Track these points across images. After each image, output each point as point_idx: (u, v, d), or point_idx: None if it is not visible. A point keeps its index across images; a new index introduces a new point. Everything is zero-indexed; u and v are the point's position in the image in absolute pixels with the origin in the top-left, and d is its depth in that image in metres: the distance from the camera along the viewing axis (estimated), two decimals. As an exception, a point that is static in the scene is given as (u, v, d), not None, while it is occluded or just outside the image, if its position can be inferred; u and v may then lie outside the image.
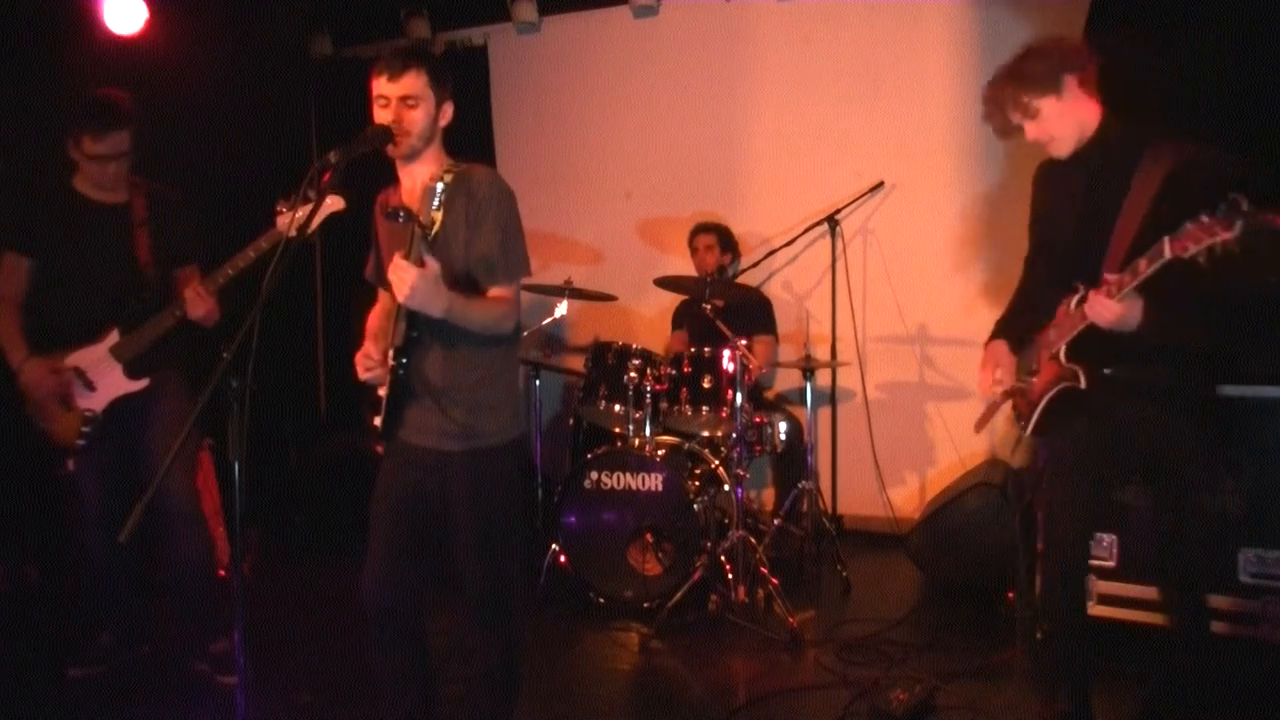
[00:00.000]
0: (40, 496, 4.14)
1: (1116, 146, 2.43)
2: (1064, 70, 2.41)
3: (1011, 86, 2.41)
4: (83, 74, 3.81)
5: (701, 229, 4.93)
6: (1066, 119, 2.43)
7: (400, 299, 2.20)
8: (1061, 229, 2.57)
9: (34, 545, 4.26)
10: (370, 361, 2.39)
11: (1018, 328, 2.74)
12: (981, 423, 3.01)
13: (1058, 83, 2.40)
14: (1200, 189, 2.28)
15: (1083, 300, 2.40)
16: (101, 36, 4.21)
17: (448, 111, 2.41)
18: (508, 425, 2.47)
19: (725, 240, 4.92)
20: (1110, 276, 2.28)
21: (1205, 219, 2.06)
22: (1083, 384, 2.41)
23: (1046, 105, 2.41)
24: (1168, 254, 2.15)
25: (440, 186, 2.25)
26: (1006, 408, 2.81)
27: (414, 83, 2.31)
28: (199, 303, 3.08)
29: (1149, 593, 3.27)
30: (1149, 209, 2.32)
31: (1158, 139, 2.39)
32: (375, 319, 2.62)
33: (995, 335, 2.78)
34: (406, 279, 2.15)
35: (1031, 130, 2.45)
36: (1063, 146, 2.47)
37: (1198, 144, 2.37)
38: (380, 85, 2.32)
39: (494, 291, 2.38)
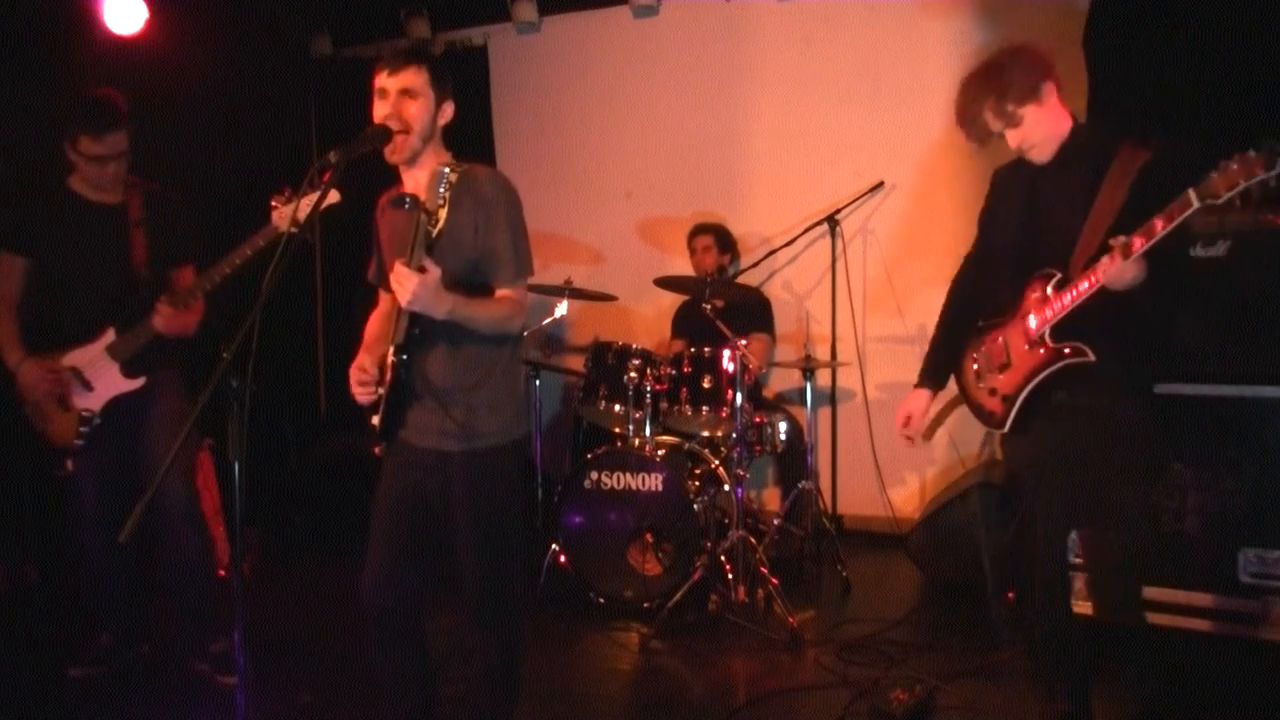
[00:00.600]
0: (40, 496, 4.15)
1: (1092, 148, 2.45)
2: (1044, 78, 2.43)
3: (994, 96, 2.41)
4: (83, 74, 3.81)
5: (699, 230, 4.93)
6: (1047, 125, 2.45)
7: (402, 303, 2.21)
8: (1030, 228, 2.56)
9: (34, 545, 4.27)
10: (364, 376, 2.36)
11: (948, 359, 2.80)
12: (930, 431, 3.03)
13: (1038, 90, 2.42)
14: (1176, 173, 2.30)
15: (1062, 284, 2.40)
16: (101, 36, 4.21)
17: (448, 111, 2.40)
18: (509, 425, 2.46)
19: (723, 240, 4.91)
20: (1118, 240, 2.26)
21: (1236, 160, 2.04)
22: (1092, 357, 2.40)
23: (1029, 113, 2.42)
24: (1195, 203, 2.13)
25: (447, 171, 2.26)
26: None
27: (414, 78, 2.32)
28: (172, 319, 3.07)
29: (1149, 593, 3.27)
30: (1126, 197, 2.34)
31: (1129, 141, 2.41)
32: (374, 325, 2.61)
33: (922, 381, 2.86)
34: (408, 285, 2.16)
35: (1014, 137, 2.46)
36: (1045, 151, 2.48)
37: (1171, 142, 2.40)
38: (381, 79, 2.33)
39: (502, 291, 2.39)
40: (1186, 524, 3.28)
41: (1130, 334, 2.43)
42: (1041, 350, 2.47)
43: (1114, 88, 3.73)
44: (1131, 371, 2.45)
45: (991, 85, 2.42)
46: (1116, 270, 2.26)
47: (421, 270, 2.17)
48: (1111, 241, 2.27)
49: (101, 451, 3.20)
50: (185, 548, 3.24)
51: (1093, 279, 2.32)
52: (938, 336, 2.84)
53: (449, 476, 2.40)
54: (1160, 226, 2.19)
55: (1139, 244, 2.22)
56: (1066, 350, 2.43)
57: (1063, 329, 2.43)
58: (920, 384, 2.84)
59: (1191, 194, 2.14)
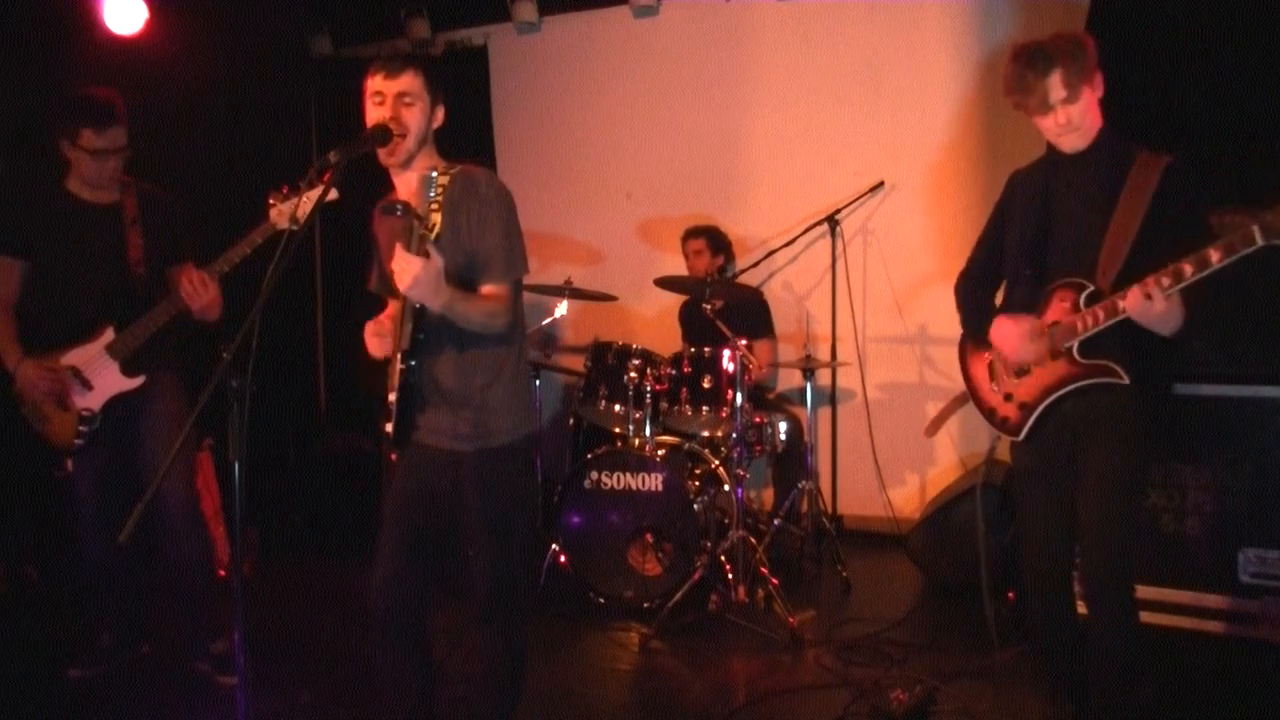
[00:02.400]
0: (40, 497, 4.14)
1: (1111, 152, 2.44)
2: (1098, 68, 2.42)
3: (1069, 65, 2.36)
4: (83, 74, 3.81)
5: (690, 234, 4.90)
6: (1090, 113, 2.43)
7: (402, 289, 2.18)
8: (1043, 224, 2.52)
9: (34, 545, 4.26)
10: (380, 328, 2.38)
11: (994, 313, 2.65)
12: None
13: (1093, 76, 2.40)
14: (1196, 183, 2.31)
15: (1094, 298, 2.37)
16: (101, 36, 4.21)
17: (439, 115, 2.42)
18: (519, 423, 2.47)
19: (716, 242, 4.88)
20: (1162, 277, 2.21)
21: None
22: (1125, 379, 2.36)
23: (1086, 94, 2.39)
24: (1259, 240, 2.07)
25: (434, 175, 2.26)
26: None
27: (411, 82, 2.32)
28: (199, 293, 3.04)
29: (1147, 593, 3.27)
30: (1147, 209, 2.32)
31: (1146, 151, 2.40)
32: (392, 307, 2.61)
33: (983, 326, 2.62)
34: (410, 269, 2.14)
35: (1064, 114, 2.40)
36: (1079, 140, 2.44)
37: (1183, 158, 2.38)
38: (377, 82, 2.34)
39: (489, 289, 2.38)
40: (1186, 524, 3.28)
41: (1154, 347, 2.38)
42: (1067, 365, 2.43)
43: (1113, 88, 3.73)
44: (1147, 379, 2.43)
45: (1066, 54, 2.37)
46: (1141, 305, 2.21)
47: (424, 255, 2.16)
48: (1150, 280, 2.21)
49: (101, 452, 3.19)
50: (185, 548, 3.23)
51: (1117, 310, 2.29)
52: (967, 314, 2.76)
53: (460, 476, 2.41)
54: (1216, 259, 2.14)
55: (1189, 271, 2.16)
56: (1096, 368, 2.39)
57: (1090, 344, 2.39)
58: (983, 330, 2.61)
59: (1256, 231, 2.07)
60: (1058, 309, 2.45)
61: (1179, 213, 2.24)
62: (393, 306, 2.61)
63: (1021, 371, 2.54)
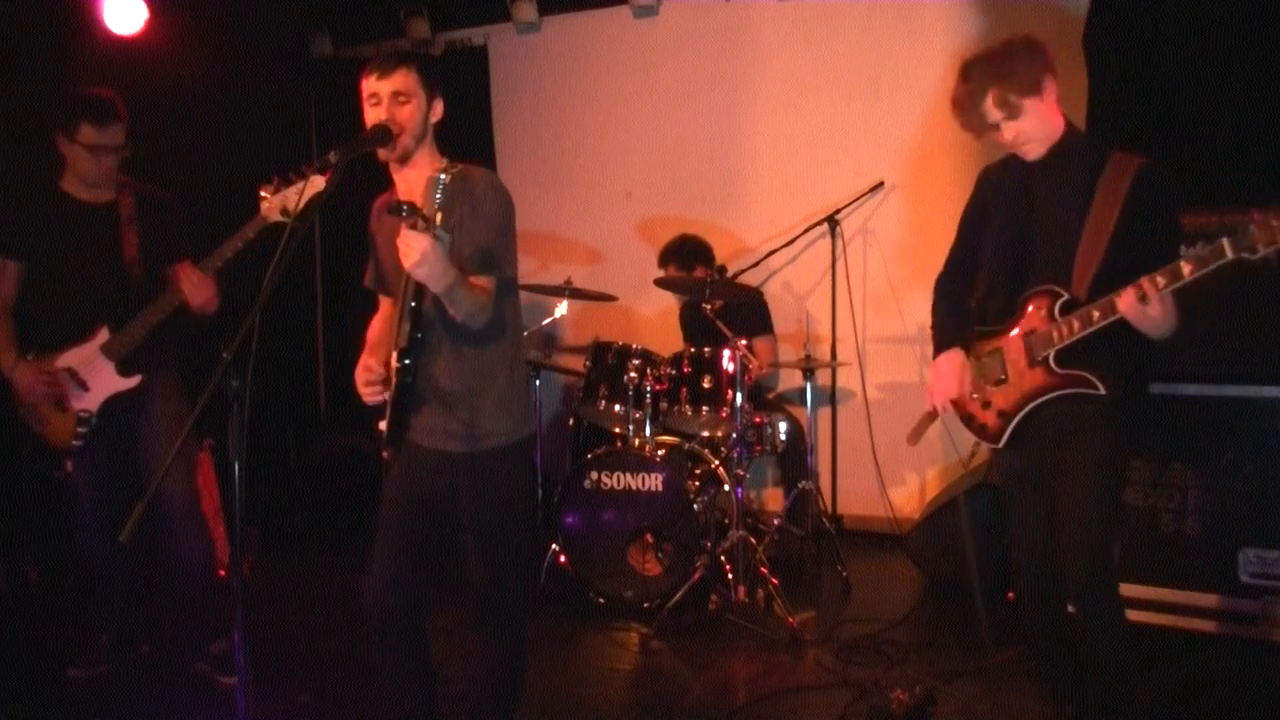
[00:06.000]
0: (40, 497, 4.14)
1: (1084, 152, 2.41)
2: (1046, 72, 2.38)
3: (999, 84, 2.34)
4: (83, 74, 3.81)
5: (660, 262, 4.73)
6: (1044, 121, 2.39)
7: (408, 266, 2.12)
8: (1027, 228, 2.49)
9: (34, 545, 4.27)
10: (370, 375, 2.37)
11: (959, 325, 2.65)
12: (916, 435, 2.93)
13: (1040, 84, 2.36)
14: (1169, 184, 2.29)
15: (1070, 306, 2.35)
16: (101, 36, 4.21)
17: (438, 109, 2.41)
18: (514, 426, 2.46)
19: (686, 259, 4.68)
20: (1146, 280, 2.19)
21: (1276, 215, 1.99)
22: (1101, 390, 2.34)
23: (1030, 106, 2.36)
24: (1229, 254, 2.08)
25: (443, 177, 2.23)
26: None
27: (405, 80, 2.31)
28: (198, 289, 3.04)
29: (1147, 593, 3.28)
30: (1119, 214, 2.30)
31: (1119, 150, 2.38)
32: (376, 327, 2.60)
33: (945, 344, 2.65)
34: (418, 245, 2.07)
35: (1011, 130, 2.38)
36: (1038, 148, 2.43)
37: (1155, 159, 2.36)
38: (371, 83, 2.33)
39: (476, 280, 2.33)
40: (1186, 524, 3.28)
41: (1134, 353, 2.37)
42: (1044, 374, 2.41)
43: (1113, 89, 3.73)
44: (1127, 382, 2.42)
45: (996, 73, 2.35)
46: (1136, 307, 2.19)
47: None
48: (1144, 280, 2.19)
49: (100, 452, 3.19)
50: (185, 548, 3.23)
51: (1105, 311, 2.26)
52: (939, 320, 2.77)
53: (455, 478, 2.40)
54: (1188, 272, 2.13)
55: (1159, 283, 2.14)
56: (1072, 378, 2.37)
57: (1068, 353, 2.37)
58: (943, 349, 2.65)
59: (1226, 244, 2.08)
60: (1033, 317, 2.43)
61: (1151, 214, 2.22)
62: (386, 305, 2.60)
63: (999, 380, 2.52)
